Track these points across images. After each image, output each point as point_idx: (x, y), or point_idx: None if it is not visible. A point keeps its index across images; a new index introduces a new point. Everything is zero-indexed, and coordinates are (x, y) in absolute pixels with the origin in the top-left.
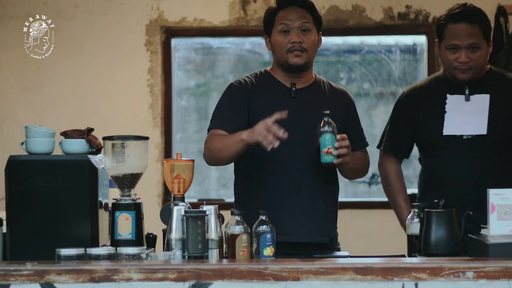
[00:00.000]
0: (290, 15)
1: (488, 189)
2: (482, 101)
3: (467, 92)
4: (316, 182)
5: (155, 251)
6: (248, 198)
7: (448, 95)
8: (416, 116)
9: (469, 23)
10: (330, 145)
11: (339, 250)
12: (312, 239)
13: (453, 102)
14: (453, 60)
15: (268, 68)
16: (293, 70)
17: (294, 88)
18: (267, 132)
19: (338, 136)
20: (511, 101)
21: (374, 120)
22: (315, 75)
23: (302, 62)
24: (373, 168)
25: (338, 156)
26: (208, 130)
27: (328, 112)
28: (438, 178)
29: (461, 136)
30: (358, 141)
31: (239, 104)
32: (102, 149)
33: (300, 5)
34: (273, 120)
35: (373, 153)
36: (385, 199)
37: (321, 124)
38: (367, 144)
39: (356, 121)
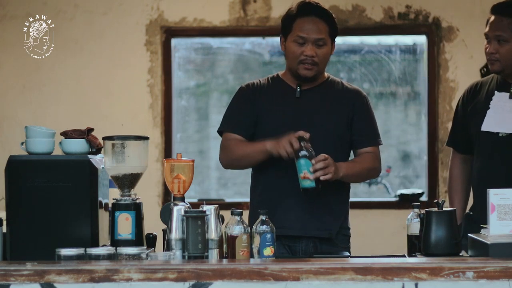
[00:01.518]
0: (307, 26)
1: (488, 189)
2: None
3: (511, 90)
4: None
5: (155, 251)
6: (255, 194)
7: (496, 92)
8: (466, 111)
9: (499, 15)
10: (306, 170)
11: (347, 248)
12: (307, 233)
13: (498, 99)
14: (485, 51)
15: (281, 73)
16: (301, 80)
17: (299, 89)
18: (290, 146)
19: (313, 160)
20: None
21: None
22: (328, 75)
23: (311, 74)
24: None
25: (316, 180)
26: (219, 132)
27: (302, 135)
28: (475, 175)
29: (498, 133)
30: (363, 140)
31: (247, 107)
32: (102, 149)
33: (318, 16)
34: (296, 136)
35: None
36: (385, 199)
37: (296, 149)
38: (377, 143)
39: (364, 119)
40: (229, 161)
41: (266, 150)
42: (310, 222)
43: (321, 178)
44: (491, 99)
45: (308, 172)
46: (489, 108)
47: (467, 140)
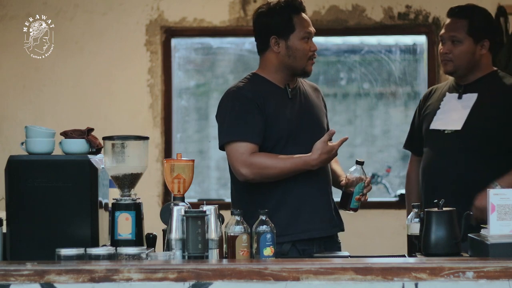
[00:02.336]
0: (307, 22)
1: (488, 189)
2: (470, 99)
3: (460, 91)
4: (321, 176)
5: (155, 251)
6: (251, 199)
7: (447, 93)
8: (421, 114)
9: (454, 17)
10: (361, 192)
11: (340, 244)
12: (329, 232)
13: (448, 100)
14: (439, 52)
15: (256, 71)
16: (304, 76)
17: (290, 89)
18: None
19: (366, 183)
20: (497, 102)
21: (374, 120)
22: None
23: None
24: (373, 168)
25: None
26: (230, 141)
27: (363, 161)
28: (422, 171)
29: (444, 130)
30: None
31: (257, 112)
32: (102, 149)
33: (304, 11)
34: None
35: (373, 153)
36: (385, 199)
37: (358, 173)
38: None
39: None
40: (260, 177)
41: (309, 165)
42: (330, 220)
43: (362, 199)
44: (442, 100)
45: (362, 194)
46: (439, 108)
47: (422, 142)
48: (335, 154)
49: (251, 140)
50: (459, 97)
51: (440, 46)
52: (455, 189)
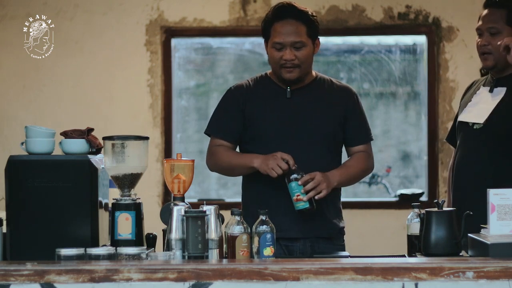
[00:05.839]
0: (283, 29)
1: (488, 189)
2: (499, 93)
3: (492, 84)
4: None
5: (155, 251)
6: (248, 196)
7: (481, 87)
8: (459, 106)
9: (492, 7)
10: (298, 192)
11: (343, 245)
12: (306, 235)
13: (481, 93)
14: (477, 45)
15: (270, 71)
16: (285, 82)
17: (289, 89)
18: (279, 168)
19: (300, 182)
20: None
21: (374, 120)
22: (316, 74)
23: (294, 77)
24: (374, 167)
25: (310, 200)
26: (206, 133)
27: (288, 160)
28: (455, 167)
29: (472, 125)
30: (355, 138)
31: (234, 111)
32: (102, 149)
33: (294, 17)
34: (283, 158)
35: (374, 152)
36: (385, 199)
37: (285, 172)
38: (369, 139)
39: (357, 116)
40: (214, 167)
41: (252, 167)
42: (307, 223)
43: (316, 197)
44: (476, 93)
45: (300, 194)
46: (471, 101)
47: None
48: (276, 164)
49: (220, 136)
50: (490, 91)
51: (477, 39)
52: (478, 185)
